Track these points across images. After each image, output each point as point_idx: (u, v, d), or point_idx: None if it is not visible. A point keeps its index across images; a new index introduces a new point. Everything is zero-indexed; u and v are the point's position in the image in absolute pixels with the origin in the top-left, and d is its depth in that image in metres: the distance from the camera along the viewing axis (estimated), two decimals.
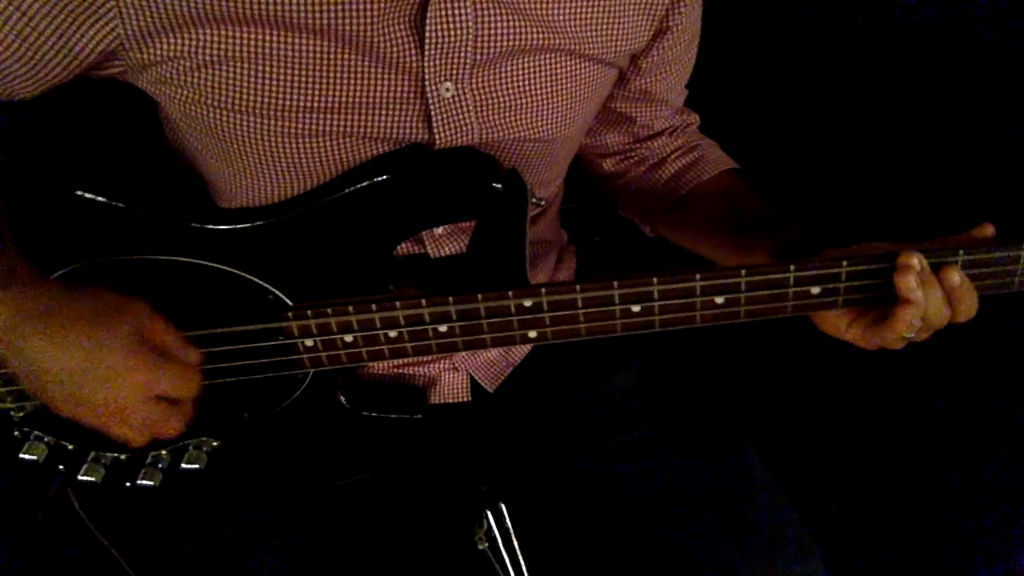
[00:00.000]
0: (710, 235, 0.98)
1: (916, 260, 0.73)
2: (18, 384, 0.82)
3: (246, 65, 0.73)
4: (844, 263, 0.75)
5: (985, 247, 0.75)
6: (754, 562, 0.90)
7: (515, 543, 0.95)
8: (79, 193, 0.77)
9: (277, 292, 0.81)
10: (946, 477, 1.46)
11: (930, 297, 0.74)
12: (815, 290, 0.76)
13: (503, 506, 0.96)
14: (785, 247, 0.86)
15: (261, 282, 0.81)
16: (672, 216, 1.05)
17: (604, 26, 0.85)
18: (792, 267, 0.75)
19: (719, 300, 0.77)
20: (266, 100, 0.75)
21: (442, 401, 0.98)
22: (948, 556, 1.42)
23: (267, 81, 0.74)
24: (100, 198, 0.78)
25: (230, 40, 0.71)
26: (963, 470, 1.45)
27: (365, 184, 0.79)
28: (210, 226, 0.79)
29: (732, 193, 1.00)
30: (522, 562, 0.94)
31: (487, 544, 0.94)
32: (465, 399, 0.99)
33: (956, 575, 1.42)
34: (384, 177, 0.79)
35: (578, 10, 0.82)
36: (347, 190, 0.79)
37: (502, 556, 0.94)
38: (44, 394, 0.72)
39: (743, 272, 0.75)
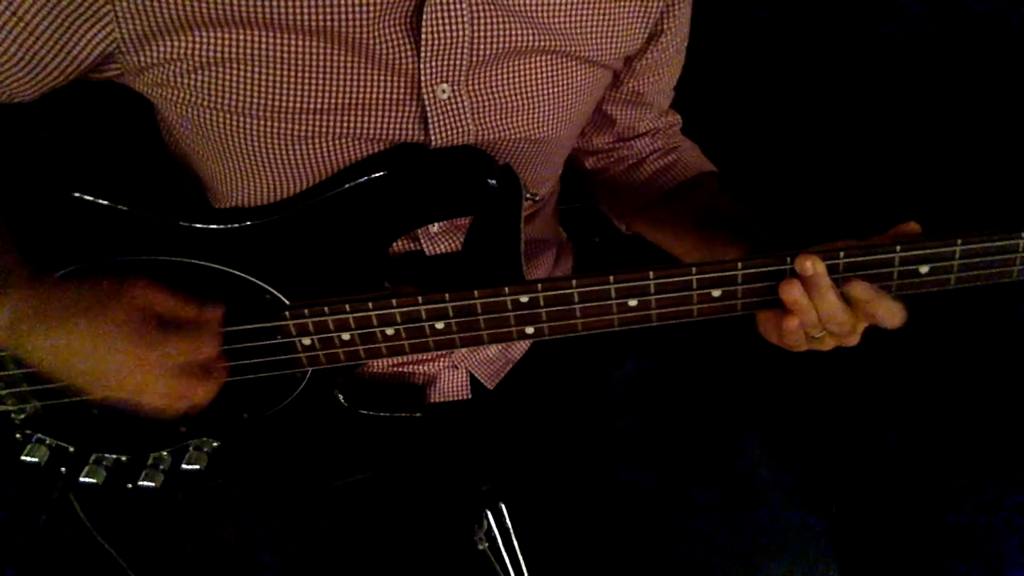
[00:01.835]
0: (684, 236, 0.98)
1: (809, 264, 0.73)
2: (23, 386, 0.83)
3: (242, 67, 0.73)
4: (841, 254, 0.74)
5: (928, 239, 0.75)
6: (758, 555, 0.89)
7: (515, 543, 0.94)
8: (77, 195, 0.78)
9: (274, 291, 0.81)
10: (947, 476, 1.45)
11: (823, 303, 0.74)
12: None
13: (503, 506, 0.95)
14: (758, 251, 0.86)
15: (258, 281, 0.81)
16: (648, 215, 1.05)
17: (600, 29, 0.85)
18: (788, 258, 0.75)
19: (716, 293, 0.77)
20: (262, 102, 0.75)
21: (442, 399, 0.98)
22: (948, 556, 1.41)
23: (263, 83, 0.74)
24: (98, 200, 0.78)
25: (226, 42, 0.72)
26: (963, 469, 1.44)
27: (361, 181, 0.79)
28: (207, 226, 0.80)
29: (707, 196, 1.01)
30: (522, 562, 0.94)
31: (487, 544, 0.94)
32: (465, 397, 0.99)
33: (956, 575, 1.41)
34: (379, 174, 0.79)
35: (575, 13, 0.82)
36: (342, 188, 0.79)
37: (502, 556, 0.94)
38: (72, 386, 0.75)
39: (739, 265, 0.75)
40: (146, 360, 0.72)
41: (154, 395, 0.74)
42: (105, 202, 0.78)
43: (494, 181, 0.78)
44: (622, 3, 0.85)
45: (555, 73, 0.85)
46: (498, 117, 0.83)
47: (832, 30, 1.39)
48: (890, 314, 0.75)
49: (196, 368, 0.75)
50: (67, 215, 0.78)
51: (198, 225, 0.79)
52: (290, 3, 0.71)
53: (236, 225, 0.80)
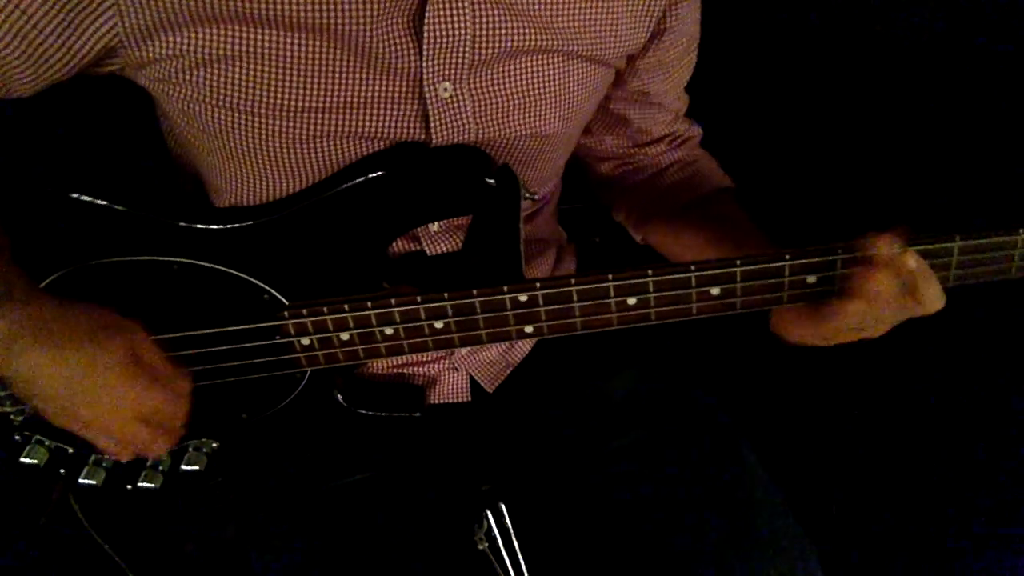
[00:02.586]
0: (698, 251, 0.98)
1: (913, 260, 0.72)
2: (11, 390, 0.83)
3: (245, 64, 0.73)
4: (840, 251, 0.74)
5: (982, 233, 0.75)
6: (752, 566, 0.89)
7: (515, 543, 0.94)
8: (74, 195, 0.77)
9: (273, 291, 0.81)
10: (946, 477, 1.44)
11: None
12: (811, 279, 0.76)
13: (503, 506, 0.95)
14: None
15: (257, 281, 0.81)
16: (663, 228, 1.05)
17: (601, 27, 0.85)
18: (787, 256, 0.75)
19: (715, 291, 0.76)
20: (264, 99, 0.75)
21: (442, 401, 0.98)
22: (947, 556, 1.41)
23: (265, 81, 0.74)
24: (96, 200, 0.78)
25: (229, 39, 0.72)
26: (963, 470, 1.44)
27: (359, 181, 0.79)
28: (206, 226, 0.80)
29: (725, 213, 1.01)
30: (522, 562, 0.94)
31: (487, 544, 0.94)
32: (465, 399, 0.99)
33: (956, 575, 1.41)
34: (378, 174, 0.79)
35: (575, 11, 0.82)
36: (341, 187, 0.79)
37: (502, 556, 0.93)
38: (35, 403, 0.74)
39: (738, 263, 0.75)
40: (125, 399, 0.72)
41: (116, 436, 0.75)
42: (103, 202, 0.78)
43: (492, 180, 0.78)
44: (624, 1, 0.85)
45: (556, 71, 0.85)
46: (499, 115, 0.84)
47: (832, 31, 1.39)
48: (936, 296, 0.74)
49: (162, 424, 0.75)
50: (64, 216, 0.78)
51: (197, 225, 0.79)
52: (293, 1, 0.71)
53: (235, 225, 0.80)
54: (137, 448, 0.76)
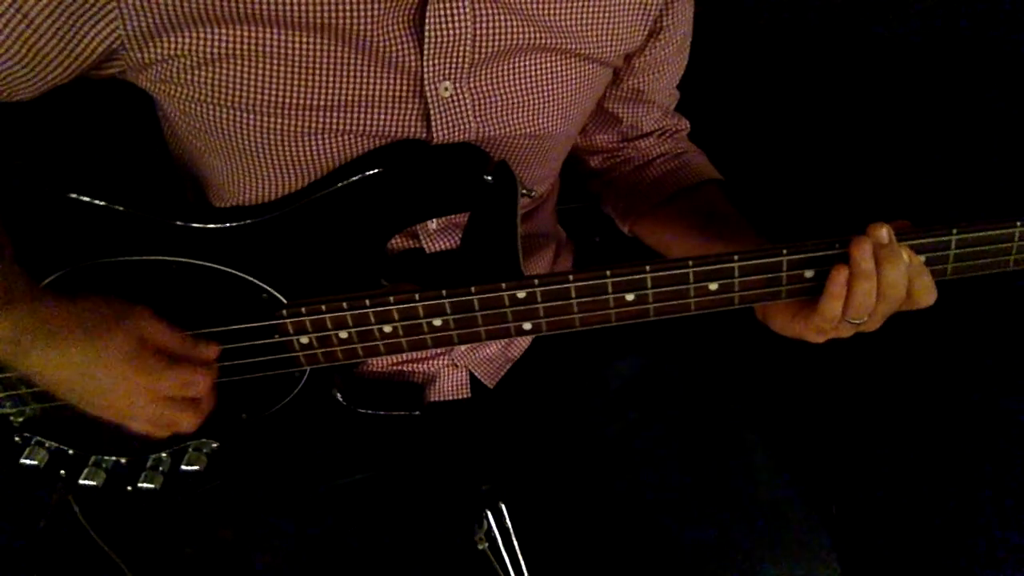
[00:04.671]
0: (683, 242, 0.98)
1: (885, 231, 0.73)
2: (21, 389, 0.83)
3: (247, 63, 0.73)
4: (837, 245, 0.74)
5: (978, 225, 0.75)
6: (758, 555, 0.89)
7: (515, 543, 0.94)
8: (73, 196, 0.77)
9: (271, 290, 0.81)
10: (948, 476, 1.44)
11: (895, 269, 0.73)
12: (808, 274, 0.76)
13: (503, 506, 0.95)
14: None
15: (255, 280, 0.81)
16: (649, 219, 1.05)
17: (600, 26, 0.85)
18: (785, 251, 0.75)
19: (713, 286, 0.76)
20: (266, 97, 0.75)
21: (442, 398, 0.98)
22: (949, 556, 1.40)
23: (268, 79, 0.74)
24: (94, 200, 0.78)
25: (231, 38, 0.72)
26: (964, 469, 1.43)
27: (356, 179, 0.79)
28: (203, 225, 0.80)
29: (710, 204, 1.01)
30: (522, 562, 0.94)
31: (487, 544, 0.94)
32: (465, 396, 0.99)
33: (957, 575, 1.40)
34: (375, 171, 0.79)
35: (575, 10, 0.83)
36: (338, 185, 0.79)
37: (502, 556, 0.93)
38: (60, 396, 0.76)
39: (736, 257, 0.75)
40: (138, 386, 0.74)
41: (141, 420, 0.77)
42: (101, 202, 0.78)
43: (489, 177, 0.78)
44: (622, 1, 0.86)
45: (555, 70, 0.85)
46: (499, 114, 0.84)
47: (830, 30, 1.39)
48: (928, 289, 0.75)
49: (185, 400, 0.77)
50: (62, 216, 0.78)
51: (194, 224, 0.79)
52: (295, 1, 0.71)
53: (232, 224, 0.80)
54: (166, 427, 0.78)
